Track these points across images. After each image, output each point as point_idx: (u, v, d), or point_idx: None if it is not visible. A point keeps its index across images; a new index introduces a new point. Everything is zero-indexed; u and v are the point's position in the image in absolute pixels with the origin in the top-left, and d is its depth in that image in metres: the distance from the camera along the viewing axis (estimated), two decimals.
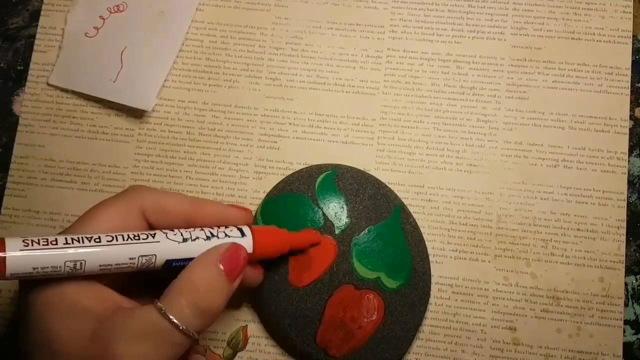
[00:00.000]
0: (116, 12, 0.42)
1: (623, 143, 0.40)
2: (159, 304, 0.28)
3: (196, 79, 0.42)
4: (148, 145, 0.41)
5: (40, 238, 0.27)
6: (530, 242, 0.39)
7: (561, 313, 0.38)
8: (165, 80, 0.42)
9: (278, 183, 0.40)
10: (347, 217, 0.38)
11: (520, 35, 0.42)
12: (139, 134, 0.42)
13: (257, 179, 0.41)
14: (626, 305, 0.38)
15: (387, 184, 0.39)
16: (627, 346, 0.38)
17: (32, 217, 0.41)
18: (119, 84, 0.41)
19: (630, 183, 0.40)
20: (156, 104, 0.41)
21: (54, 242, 0.27)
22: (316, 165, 0.40)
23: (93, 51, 0.42)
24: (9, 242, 0.27)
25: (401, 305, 0.37)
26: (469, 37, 0.42)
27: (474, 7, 0.42)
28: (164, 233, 0.30)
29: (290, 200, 0.38)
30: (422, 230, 0.39)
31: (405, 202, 0.39)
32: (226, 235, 0.31)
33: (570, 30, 0.42)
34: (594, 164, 0.40)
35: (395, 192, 0.39)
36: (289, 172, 0.40)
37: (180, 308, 0.28)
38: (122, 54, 0.41)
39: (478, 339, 0.38)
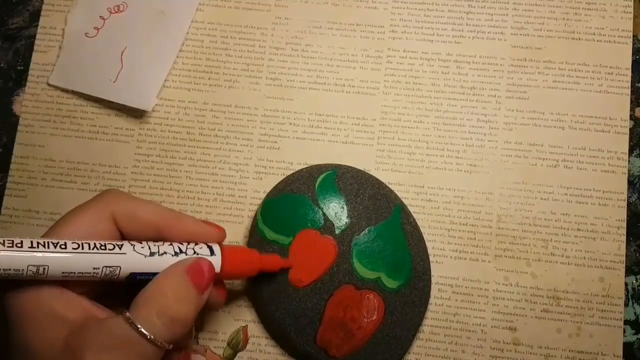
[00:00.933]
0: (116, 12, 0.42)
1: (623, 143, 0.40)
2: (127, 313, 0.28)
3: (196, 79, 0.42)
4: (148, 145, 0.41)
5: (6, 239, 0.27)
6: (530, 242, 0.39)
7: (561, 313, 0.38)
8: (165, 80, 0.42)
9: (278, 183, 0.39)
10: (347, 217, 0.38)
11: (521, 35, 0.42)
12: (139, 134, 0.42)
13: (257, 179, 0.41)
14: (626, 305, 0.38)
15: (387, 184, 0.39)
16: (627, 346, 0.38)
17: (32, 217, 0.41)
18: (119, 84, 0.41)
19: (630, 183, 0.40)
20: (156, 104, 0.41)
21: (19, 245, 0.27)
22: (316, 165, 0.40)
23: (93, 51, 0.42)
24: None
25: (401, 305, 0.37)
26: (469, 37, 0.42)
27: (474, 7, 0.42)
28: (131, 245, 0.30)
29: (291, 200, 0.38)
30: (422, 230, 0.39)
31: (406, 202, 0.39)
32: (195, 252, 0.31)
33: (570, 30, 0.42)
34: (594, 164, 0.40)
35: (395, 192, 0.39)
36: (289, 172, 0.40)
37: (149, 317, 0.28)
38: (122, 54, 0.41)
39: (478, 339, 0.38)
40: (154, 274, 0.30)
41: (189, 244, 0.31)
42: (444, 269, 0.39)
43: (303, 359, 0.38)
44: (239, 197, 0.40)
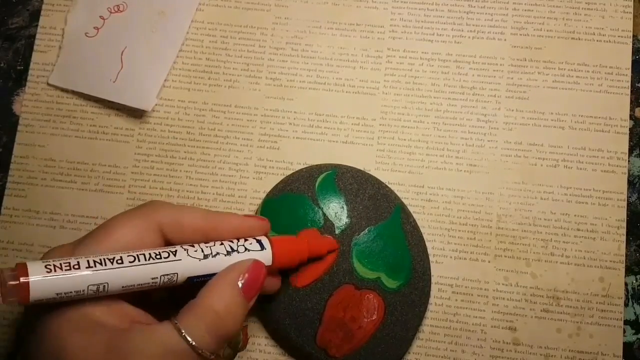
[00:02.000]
0: (116, 12, 0.42)
1: (623, 143, 0.40)
2: (178, 324, 0.28)
3: (196, 79, 0.42)
4: (148, 145, 0.41)
5: (62, 262, 0.27)
6: (530, 242, 0.39)
7: (561, 313, 0.38)
8: (165, 80, 0.42)
9: (278, 183, 0.40)
10: (347, 217, 0.38)
11: (520, 35, 0.42)
12: (139, 134, 0.42)
13: (257, 179, 0.41)
14: (626, 305, 0.38)
15: (387, 184, 0.39)
16: (627, 346, 0.38)
17: (32, 217, 0.41)
18: (119, 84, 0.41)
19: (630, 183, 0.40)
20: (156, 104, 0.41)
21: (76, 266, 0.27)
22: (316, 165, 0.40)
23: (93, 51, 0.42)
24: (31, 267, 0.26)
25: (401, 305, 0.37)
26: (469, 37, 0.42)
27: (474, 7, 0.42)
28: (184, 250, 0.30)
29: (291, 200, 0.38)
30: (422, 230, 0.39)
31: (405, 202, 0.39)
32: (246, 249, 0.31)
33: (570, 30, 0.42)
34: (594, 164, 0.40)
35: (395, 192, 0.39)
36: (289, 172, 0.40)
37: (200, 332, 0.28)
38: (122, 54, 0.41)
39: (478, 339, 0.38)
40: (211, 274, 0.30)
41: (238, 240, 0.32)
42: (444, 269, 0.39)
43: (303, 359, 0.38)
44: (239, 197, 0.40)
